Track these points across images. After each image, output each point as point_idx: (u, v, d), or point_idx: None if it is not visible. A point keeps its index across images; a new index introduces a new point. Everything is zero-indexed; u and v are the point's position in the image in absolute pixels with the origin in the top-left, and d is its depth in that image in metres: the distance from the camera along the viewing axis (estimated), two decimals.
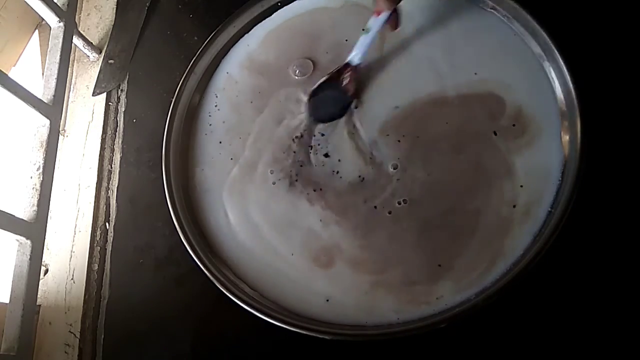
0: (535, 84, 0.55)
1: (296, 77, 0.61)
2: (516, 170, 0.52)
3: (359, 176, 0.55)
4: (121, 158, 0.67)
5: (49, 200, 0.60)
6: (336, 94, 0.58)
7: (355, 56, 0.57)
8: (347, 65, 0.58)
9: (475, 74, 0.56)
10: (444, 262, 0.50)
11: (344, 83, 0.58)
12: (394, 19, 0.55)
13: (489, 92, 0.55)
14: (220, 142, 0.61)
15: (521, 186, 0.51)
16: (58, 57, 0.65)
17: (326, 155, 0.57)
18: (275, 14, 0.66)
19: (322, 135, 0.58)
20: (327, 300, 0.51)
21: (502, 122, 0.54)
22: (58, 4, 0.67)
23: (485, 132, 0.54)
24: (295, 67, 0.62)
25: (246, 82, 0.63)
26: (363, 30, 0.55)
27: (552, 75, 0.54)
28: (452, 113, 0.55)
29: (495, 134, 0.54)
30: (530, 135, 0.53)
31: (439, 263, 0.50)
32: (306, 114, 0.59)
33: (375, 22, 0.54)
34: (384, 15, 0.54)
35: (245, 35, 0.66)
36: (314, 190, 0.56)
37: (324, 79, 0.59)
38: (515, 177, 0.51)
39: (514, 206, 0.50)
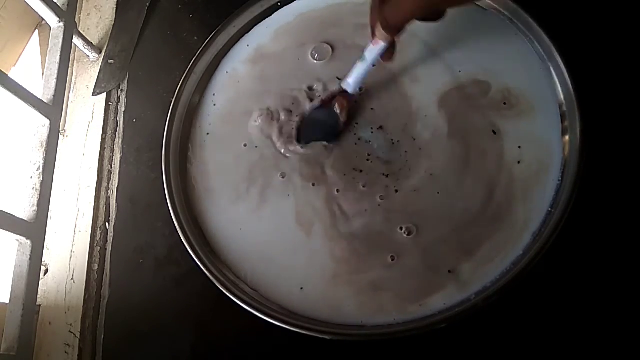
0: (535, 84, 0.55)
1: (315, 61, 0.61)
2: (516, 170, 0.52)
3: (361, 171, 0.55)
4: (121, 158, 0.67)
5: (49, 200, 0.60)
6: (327, 120, 0.57)
7: (349, 84, 0.55)
8: (342, 91, 0.56)
9: (475, 74, 0.56)
10: (455, 267, 0.50)
11: (337, 110, 0.56)
12: (390, 51, 0.52)
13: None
14: (221, 142, 0.61)
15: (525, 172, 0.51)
16: (58, 57, 0.65)
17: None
18: (287, 7, 0.66)
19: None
20: (301, 288, 0.52)
21: (501, 120, 0.54)
22: (58, 4, 0.67)
23: (486, 129, 0.54)
24: (314, 52, 0.61)
25: (247, 81, 0.63)
26: (360, 58, 0.53)
27: (552, 75, 0.54)
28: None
29: (495, 133, 0.54)
30: (529, 136, 0.53)
31: (450, 269, 0.50)
32: (295, 136, 0.58)
33: (372, 52, 0.51)
34: (381, 46, 0.50)
35: (246, 35, 0.66)
36: (313, 185, 0.56)
37: (316, 104, 0.58)
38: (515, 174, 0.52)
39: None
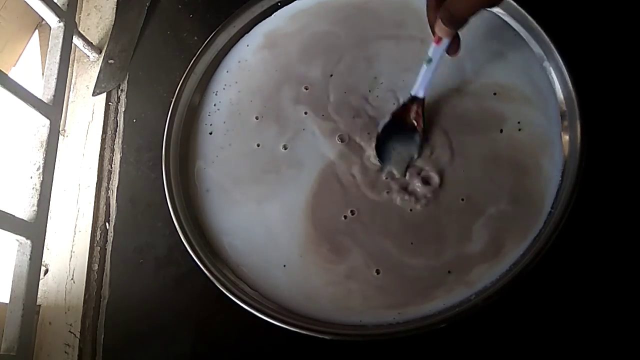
0: (535, 84, 0.55)
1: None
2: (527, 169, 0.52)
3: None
4: (121, 158, 0.67)
5: (49, 200, 0.60)
6: (405, 133, 0.54)
7: (419, 89, 0.53)
8: (413, 99, 0.54)
9: (475, 74, 0.56)
10: (455, 268, 0.50)
11: (412, 119, 0.54)
12: (454, 45, 0.50)
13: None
14: (220, 142, 0.61)
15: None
16: (58, 57, 0.65)
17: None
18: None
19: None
20: (284, 266, 0.53)
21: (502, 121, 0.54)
22: (58, 4, 0.67)
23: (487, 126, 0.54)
24: None
25: (247, 81, 0.63)
26: (426, 61, 0.51)
27: (552, 75, 0.54)
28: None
29: (501, 131, 0.54)
30: (528, 135, 0.53)
31: (449, 269, 0.50)
32: (378, 162, 0.55)
33: (437, 51, 0.49)
34: (445, 43, 0.48)
35: (245, 35, 0.66)
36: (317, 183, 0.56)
37: (387, 119, 0.55)
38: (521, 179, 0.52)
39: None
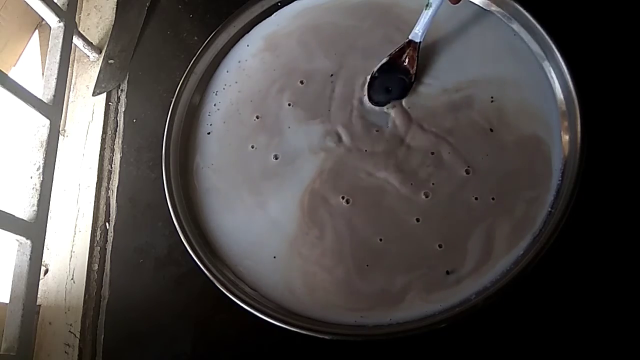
0: (535, 84, 0.55)
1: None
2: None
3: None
4: (121, 158, 0.67)
5: (49, 200, 0.60)
6: (397, 75, 0.57)
7: (417, 33, 0.55)
8: (410, 43, 0.56)
9: (474, 73, 0.56)
10: (454, 267, 0.50)
11: (406, 62, 0.56)
12: None
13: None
14: (220, 142, 0.61)
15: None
16: (58, 57, 0.65)
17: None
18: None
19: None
20: (274, 258, 0.54)
21: (498, 121, 0.54)
22: (58, 4, 0.67)
23: (484, 127, 0.54)
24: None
25: (247, 81, 0.63)
26: (425, 5, 0.53)
27: (552, 75, 0.54)
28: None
29: (492, 130, 0.54)
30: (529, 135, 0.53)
31: (449, 269, 0.50)
32: (365, 97, 0.58)
33: None
34: None
35: (245, 36, 0.66)
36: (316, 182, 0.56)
37: (385, 60, 0.57)
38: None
39: None
